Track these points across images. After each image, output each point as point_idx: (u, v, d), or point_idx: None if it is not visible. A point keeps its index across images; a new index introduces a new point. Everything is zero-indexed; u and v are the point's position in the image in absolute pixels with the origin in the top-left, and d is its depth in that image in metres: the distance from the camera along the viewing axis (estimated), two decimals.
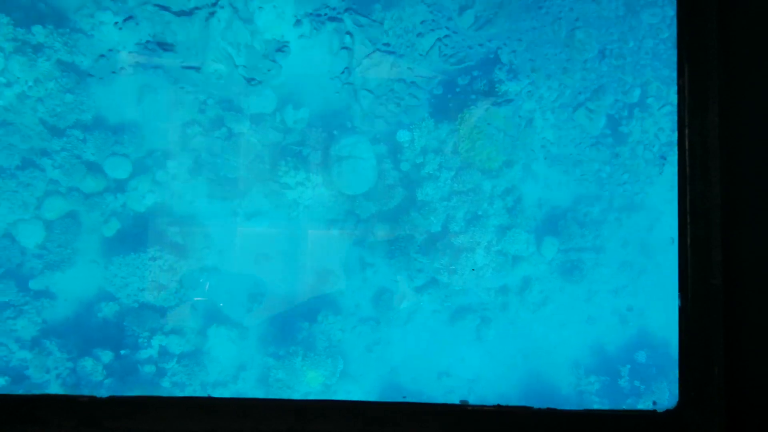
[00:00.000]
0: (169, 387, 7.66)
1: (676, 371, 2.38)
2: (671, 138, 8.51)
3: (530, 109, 8.24)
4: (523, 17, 8.03)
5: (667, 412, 2.36)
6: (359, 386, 8.31)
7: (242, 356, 8.10)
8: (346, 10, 7.62)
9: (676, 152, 2.42)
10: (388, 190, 8.13)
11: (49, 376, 7.37)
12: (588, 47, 8.10)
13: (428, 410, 2.36)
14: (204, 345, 7.92)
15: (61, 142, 7.31)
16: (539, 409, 2.36)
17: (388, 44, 7.82)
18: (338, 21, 7.73)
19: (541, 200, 8.59)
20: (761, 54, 2.25)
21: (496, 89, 8.08)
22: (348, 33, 7.73)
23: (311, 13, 7.65)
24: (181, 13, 7.21)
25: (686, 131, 2.36)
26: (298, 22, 7.60)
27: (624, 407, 8.54)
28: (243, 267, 8.06)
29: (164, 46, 6.70)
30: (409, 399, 7.50)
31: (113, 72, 7.38)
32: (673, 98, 8.28)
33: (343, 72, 7.89)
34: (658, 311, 8.73)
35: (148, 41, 7.23)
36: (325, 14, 7.65)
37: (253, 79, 7.69)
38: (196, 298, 7.77)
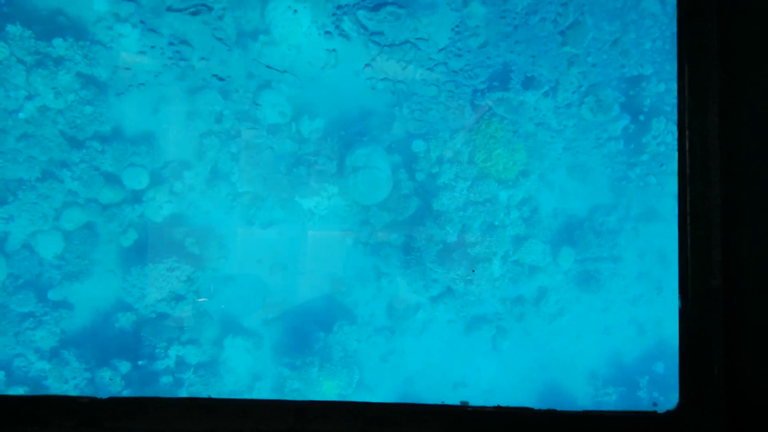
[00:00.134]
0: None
1: None
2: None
3: (546, 118, 8.22)
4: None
5: (667, 412, 2.35)
6: (375, 396, 8.28)
7: (258, 366, 8.10)
8: (363, 26, 7.65)
9: (676, 153, 2.41)
10: (403, 200, 8.13)
11: (68, 387, 7.40)
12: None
13: (428, 410, 2.35)
14: (220, 355, 7.93)
15: (80, 153, 7.36)
16: (539, 410, 2.35)
17: (403, 56, 7.84)
18: (351, 32, 7.76)
19: (557, 210, 8.56)
20: (761, 54, 2.24)
21: (512, 99, 8.07)
22: (367, 42, 7.75)
23: (326, 23, 7.69)
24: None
25: (686, 131, 2.35)
26: (314, 30, 7.64)
27: None
28: (258, 277, 8.07)
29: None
30: None
31: (131, 85, 7.44)
32: None
33: (360, 80, 7.92)
34: (676, 321, 8.64)
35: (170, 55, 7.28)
36: (339, 26, 7.68)
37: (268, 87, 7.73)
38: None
